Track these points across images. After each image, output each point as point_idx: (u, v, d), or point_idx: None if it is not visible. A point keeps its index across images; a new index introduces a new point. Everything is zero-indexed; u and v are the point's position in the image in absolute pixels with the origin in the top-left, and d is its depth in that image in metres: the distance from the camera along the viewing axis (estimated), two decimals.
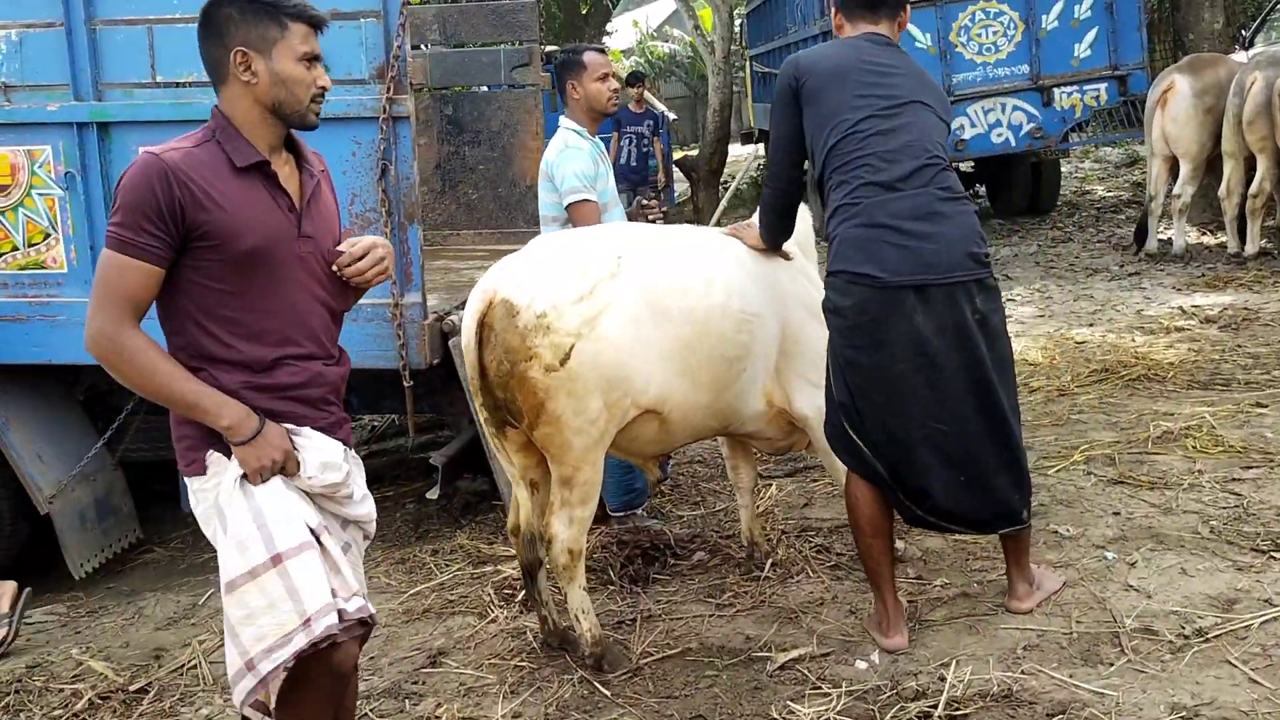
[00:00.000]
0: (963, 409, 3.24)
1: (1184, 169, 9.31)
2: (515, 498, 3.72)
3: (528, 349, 3.27)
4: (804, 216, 3.93)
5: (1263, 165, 8.56)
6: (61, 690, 3.91)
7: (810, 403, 3.69)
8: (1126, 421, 5.24)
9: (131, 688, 3.88)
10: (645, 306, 3.39)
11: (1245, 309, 7.39)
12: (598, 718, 3.26)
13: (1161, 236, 9.78)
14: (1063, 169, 14.70)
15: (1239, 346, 6.43)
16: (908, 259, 3.16)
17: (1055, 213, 12.93)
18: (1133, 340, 6.86)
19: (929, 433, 3.24)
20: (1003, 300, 3.32)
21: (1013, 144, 11.49)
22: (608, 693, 3.37)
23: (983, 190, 14.47)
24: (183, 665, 4.05)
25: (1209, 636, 3.24)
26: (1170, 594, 3.52)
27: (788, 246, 3.80)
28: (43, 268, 4.73)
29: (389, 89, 4.36)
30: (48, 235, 4.70)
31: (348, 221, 4.50)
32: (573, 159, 4.30)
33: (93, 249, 4.64)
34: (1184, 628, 3.30)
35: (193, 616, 4.49)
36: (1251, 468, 4.48)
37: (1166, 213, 9.63)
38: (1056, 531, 4.06)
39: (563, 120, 4.48)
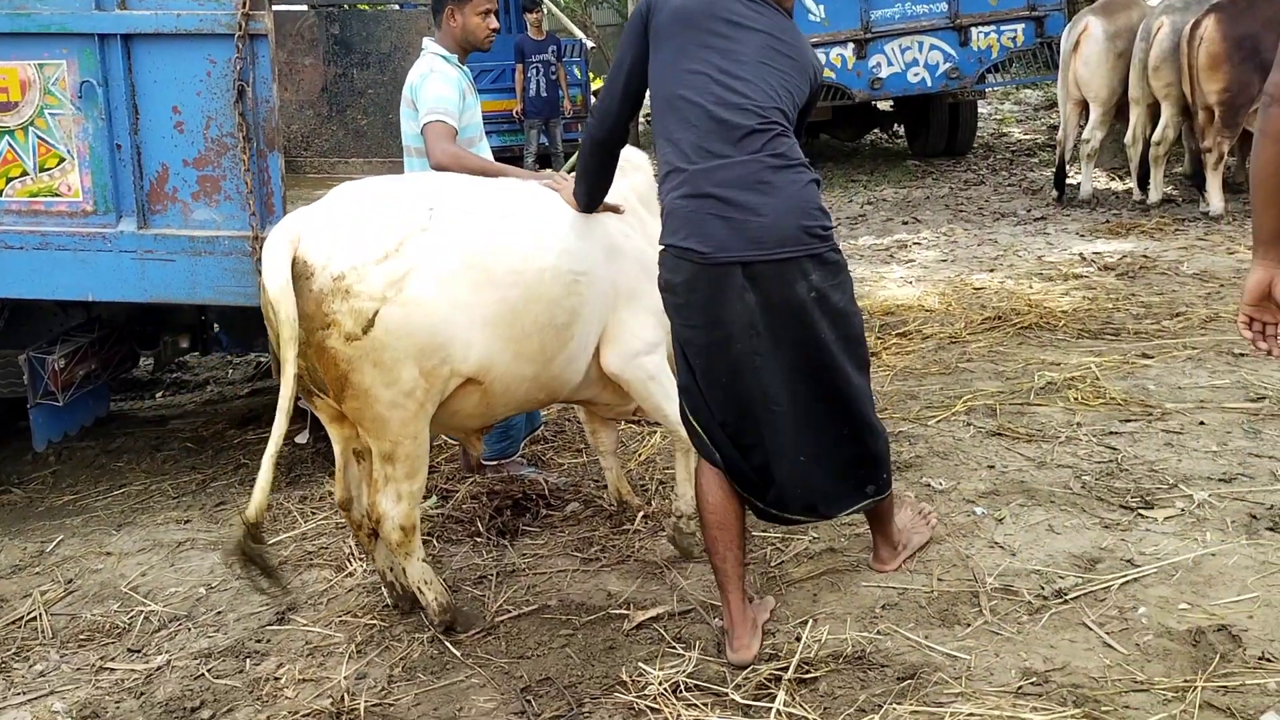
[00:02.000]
0: (801, 389, 3.01)
1: (1094, 113, 9.29)
2: (339, 470, 3.45)
3: (325, 316, 2.92)
4: (644, 166, 3.71)
5: (1167, 112, 8.56)
6: None
7: (620, 356, 3.47)
8: (1013, 371, 5.21)
9: None
10: (462, 266, 3.08)
11: (1144, 257, 7.41)
12: (444, 678, 3.14)
13: (1071, 181, 9.79)
14: (981, 110, 14.69)
15: (1133, 295, 6.44)
16: (734, 233, 2.91)
17: (971, 155, 12.91)
18: (1030, 287, 6.84)
19: (769, 415, 3.01)
20: (848, 274, 3.07)
21: (929, 84, 11.42)
22: (458, 653, 3.25)
23: (901, 130, 14.41)
24: (21, 617, 3.83)
25: (1068, 598, 3.20)
26: (1034, 552, 3.48)
27: (624, 197, 3.57)
28: None
29: (245, 3, 4.05)
30: None
31: (203, 147, 4.23)
32: (437, 83, 4.05)
33: None
34: (1044, 588, 3.26)
35: (38, 565, 4.26)
36: (1130, 421, 4.46)
37: (1076, 157, 9.63)
38: (929, 484, 4.00)
39: (429, 43, 4.22)
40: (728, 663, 3.04)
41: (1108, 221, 8.71)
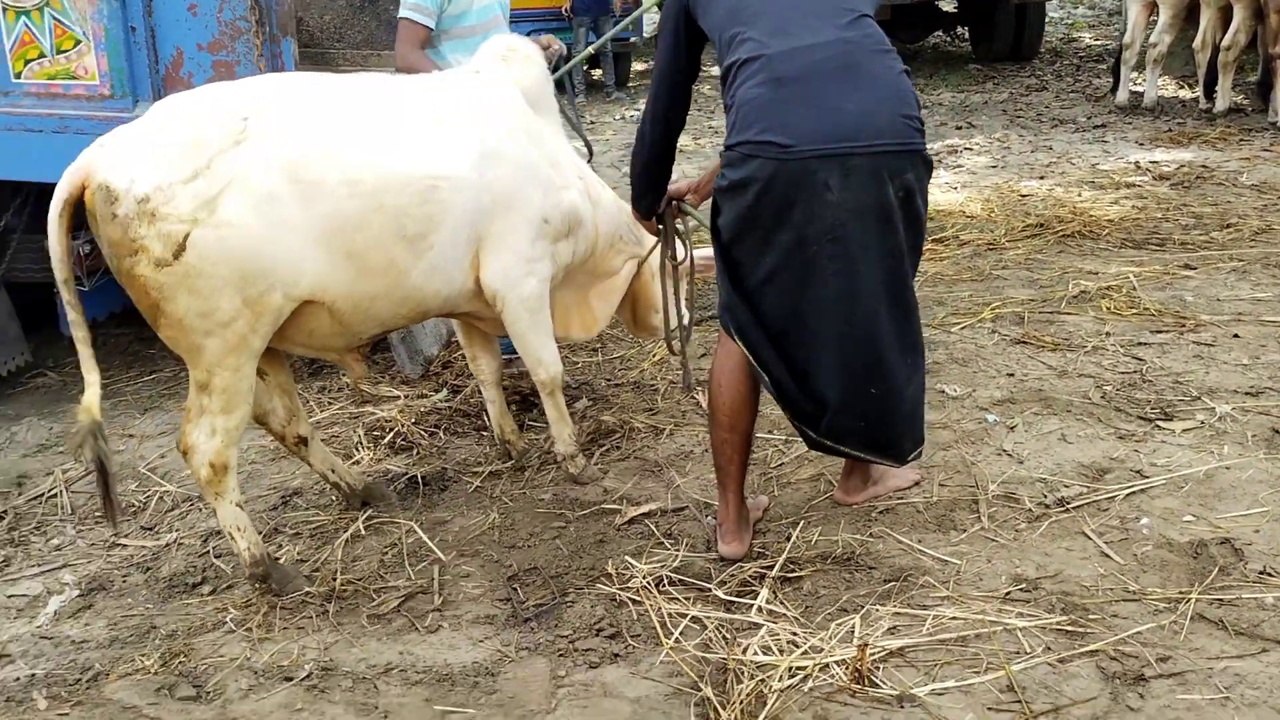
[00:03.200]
0: (873, 306, 2.72)
1: (1163, 15, 8.86)
2: None
3: (131, 242, 2.70)
4: (534, 58, 3.48)
5: (1239, 15, 8.13)
6: None
7: (502, 272, 3.21)
8: (1047, 279, 5.05)
9: None
10: (286, 180, 2.78)
11: (1203, 167, 7.12)
12: (433, 564, 3.16)
13: (1135, 88, 9.39)
14: (1051, 14, 14.13)
15: (1185, 205, 6.19)
16: (824, 123, 2.60)
17: (1037, 60, 12.46)
18: (1079, 195, 6.60)
19: (834, 334, 2.74)
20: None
21: None
22: (448, 541, 3.27)
23: (965, 33, 13.91)
24: (44, 493, 3.93)
25: (1070, 506, 3.13)
26: (1042, 460, 3.39)
27: (510, 92, 3.34)
28: None
29: None
30: None
31: (217, 31, 4.17)
32: None
33: None
34: (1046, 496, 3.18)
35: (63, 444, 4.35)
36: (1161, 332, 4.31)
37: (1142, 62, 9.22)
38: (943, 391, 3.91)
39: None
40: (716, 559, 3.03)
41: (1169, 130, 8.37)
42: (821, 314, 2.74)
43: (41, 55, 4.28)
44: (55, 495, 3.91)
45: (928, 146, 2.75)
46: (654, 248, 3.61)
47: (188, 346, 2.88)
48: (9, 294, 5.18)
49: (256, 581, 3.09)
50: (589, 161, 4.67)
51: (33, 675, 2.83)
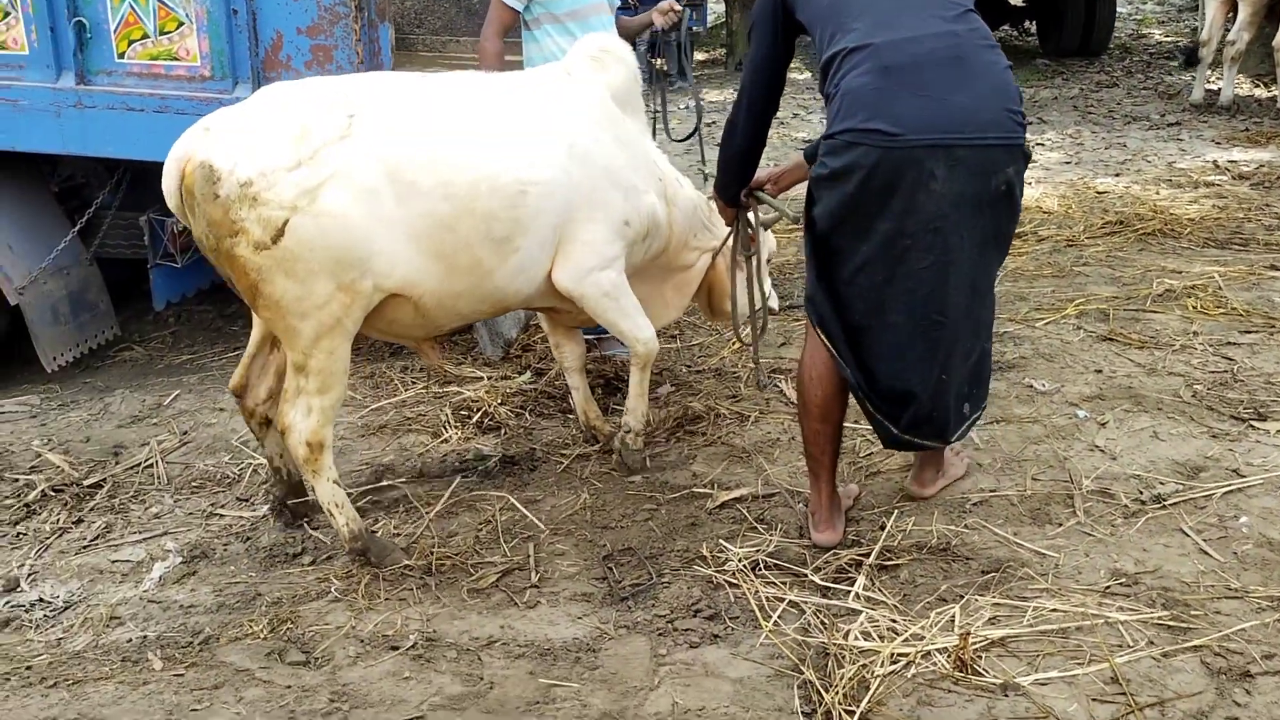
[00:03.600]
0: (960, 298, 2.75)
1: (1242, 12, 8.70)
2: (245, 355, 3.36)
3: (232, 223, 2.79)
4: (626, 59, 3.46)
5: None
6: (15, 480, 3.91)
7: (574, 271, 3.25)
8: (1130, 277, 5.01)
9: (86, 482, 3.88)
10: (385, 178, 2.87)
11: None
12: (527, 542, 3.22)
13: (1211, 86, 9.25)
14: (1120, 9, 13.92)
15: (1267, 206, 6.10)
16: (932, 113, 2.60)
17: (1106, 55, 12.28)
18: (1157, 193, 6.53)
19: (924, 326, 2.76)
20: None
21: None
22: (541, 519, 3.32)
23: (1033, 27, 13.75)
24: (139, 463, 4.03)
25: (1166, 503, 3.12)
26: (1136, 457, 3.38)
27: (600, 95, 3.36)
28: (3, 49, 4.52)
29: None
30: (7, 14, 4.46)
31: (316, 15, 4.25)
32: None
33: (53, 31, 4.41)
34: (1142, 493, 3.18)
35: (156, 416, 4.46)
36: (1250, 332, 4.27)
37: (1219, 60, 9.08)
38: (1031, 385, 3.91)
39: None
40: (809, 545, 3.05)
41: (1247, 130, 8.24)
42: (910, 307, 2.76)
43: (145, 36, 4.38)
44: (151, 465, 4.01)
45: None
46: (727, 238, 3.63)
47: (284, 328, 2.97)
48: (101, 269, 5.33)
49: (356, 556, 3.16)
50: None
51: (145, 637, 2.92)
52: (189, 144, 2.88)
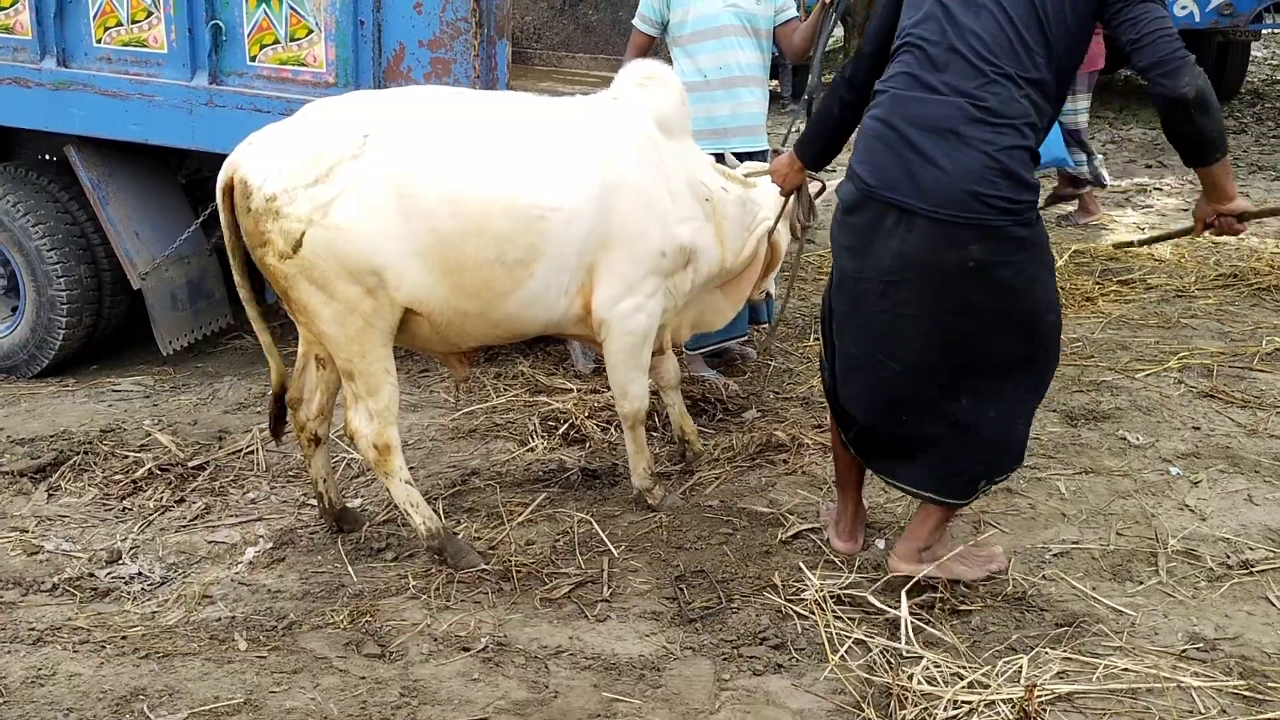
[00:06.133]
0: (926, 358, 2.79)
1: None
2: (296, 370, 3.50)
3: (261, 234, 3.03)
4: (671, 84, 3.43)
5: None
6: (126, 457, 4.12)
7: (610, 303, 3.25)
8: (1239, 333, 4.87)
9: (190, 463, 4.06)
10: (392, 195, 2.99)
11: None
12: (602, 556, 3.27)
13: None
14: (1255, 54, 13.47)
15: None
16: (904, 175, 2.68)
17: (1236, 100, 11.88)
18: (1276, 246, 6.32)
19: (874, 363, 2.85)
20: (1039, 255, 2.73)
21: (1197, 19, 10.53)
22: (618, 534, 3.38)
23: None
24: (241, 449, 4.21)
25: (1254, 569, 3.04)
26: (1226, 520, 3.30)
27: (642, 120, 3.32)
28: (144, 46, 4.77)
29: None
30: (149, 14, 4.71)
31: (438, 29, 4.39)
32: None
33: (191, 32, 4.64)
34: (1230, 557, 3.10)
35: (260, 405, 4.64)
36: None
37: None
38: (1125, 438, 3.83)
39: None
40: (882, 583, 3.04)
41: None
42: (861, 341, 2.89)
43: (276, 41, 4.58)
44: (252, 452, 4.18)
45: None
46: (780, 214, 3.57)
47: (319, 333, 3.15)
48: (219, 260, 5.56)
49: (433, 554, 3.27)
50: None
51: (233, 617, 3.06)
52: (235, 157, 3.12)
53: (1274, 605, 2.88)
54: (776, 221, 3.63)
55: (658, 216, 3.26)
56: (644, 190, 3.24)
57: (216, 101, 4.68)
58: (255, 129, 4.65)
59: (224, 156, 5.07)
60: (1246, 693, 2.54)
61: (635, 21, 4.41)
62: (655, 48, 4.45)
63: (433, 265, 3.06)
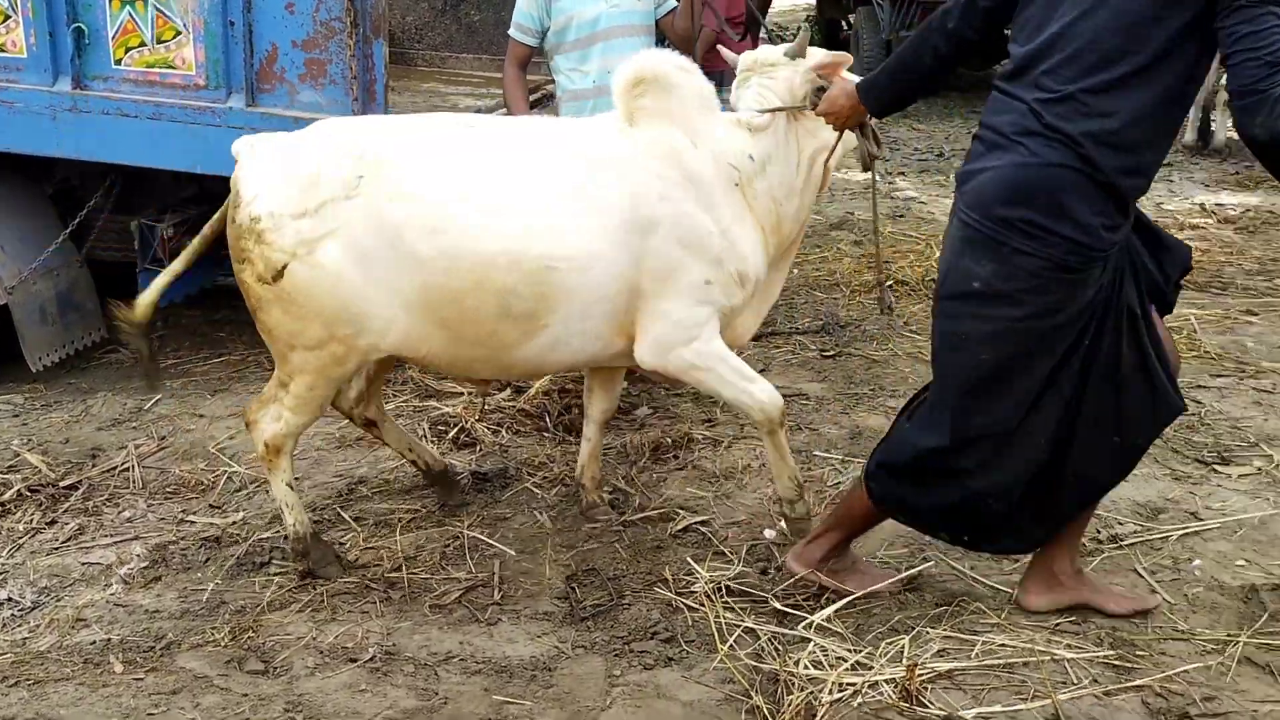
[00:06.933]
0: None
1: None
2: None
3: (242, 250, 2.92)
4: (677, 78, 3.03)
5: None
6: None
7: (655, 349, 2.99)
8: None
9: (62, 483, 3.91)
10: (384, 245, 2.81)
11: (1269, 212, 7.08)
12: (493, 559, 3.25)
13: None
14: None
15: (1249, 250, 6.17)
16: (967, 176, 2.59)
17: None
18: None
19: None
20: (1043, 281, 2.50)
21: None
22: (509, 537, 3.36)
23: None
24: (116, 466, 4.07)
25: (1123, 543, 3.17)
26: None
27: (666, 128, 3.00)
28: (2, 51, 4.58)
29: None
30: (7, 17, 4.52)
31: (312, 29, 4.31)
32: None
33: (52, 36, 4.47)
34: (1100, 533, 3.22)
35: (135, 420, 4.50)
36: (1221, 376, 4.32)
37: (1212, 101, 9.16)
38: None
39: None
40: (770, 573, 3.09)
41: (1238, 173, 8.30)
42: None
43: (142, 44, 4.44)
44: (128, 469, 4.04)
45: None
46: (832, 150, 3.14)
47: (277, 351, 3.08)
48: (91, 272, 5.37)
49: (296, 556, 3.24)
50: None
51: (108, 640, 2.95)
52: (240, 146, 3.03)
53: (1141, 576, 3.00)
54: (830, 154, 3.15)
55: (698, 245, 2.95)
56: (677, 221, 2.93)
57: (81, 107, 4.53)
58: (123, 134, 4.56)
59: (92, 164, 5.00)
60: (1116, 662, 2.64)
61: (512, 32, 4.27)
62: (530, 58, 4.39)
63: (428, 317, 2.90)
